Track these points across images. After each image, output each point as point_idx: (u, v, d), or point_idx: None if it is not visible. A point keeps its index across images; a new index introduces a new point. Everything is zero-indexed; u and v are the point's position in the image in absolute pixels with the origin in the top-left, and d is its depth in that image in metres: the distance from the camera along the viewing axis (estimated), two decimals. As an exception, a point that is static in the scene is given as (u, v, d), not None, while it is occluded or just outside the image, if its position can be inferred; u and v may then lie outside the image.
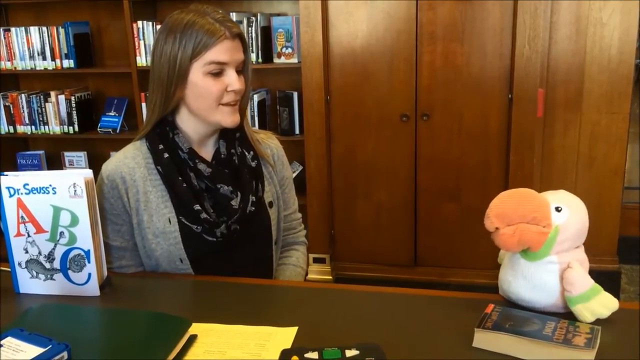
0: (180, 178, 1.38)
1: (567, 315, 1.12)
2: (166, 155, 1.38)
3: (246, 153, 1.46)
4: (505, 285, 1.19)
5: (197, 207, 1.37)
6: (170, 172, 1.38)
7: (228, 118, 1.37)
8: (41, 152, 3.57)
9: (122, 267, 1.44)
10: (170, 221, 1.39)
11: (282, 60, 3.03)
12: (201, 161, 1.40)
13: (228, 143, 1.45)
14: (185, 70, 1.33)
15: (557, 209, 1.12)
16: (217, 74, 1.34)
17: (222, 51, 1.32)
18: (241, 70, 1.39)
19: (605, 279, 2.51)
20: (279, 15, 3.11)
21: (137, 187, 1.38)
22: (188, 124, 1.41)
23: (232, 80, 1.34)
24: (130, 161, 1.40)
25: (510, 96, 2.76)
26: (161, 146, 1.39)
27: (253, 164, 1.46)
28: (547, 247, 1.12)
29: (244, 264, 1.46)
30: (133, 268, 1.45)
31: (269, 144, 1.55)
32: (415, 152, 2.94)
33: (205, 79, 1.33)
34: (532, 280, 1.14)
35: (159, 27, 3.07)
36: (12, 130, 3.42)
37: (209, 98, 1.34)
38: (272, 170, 1.52)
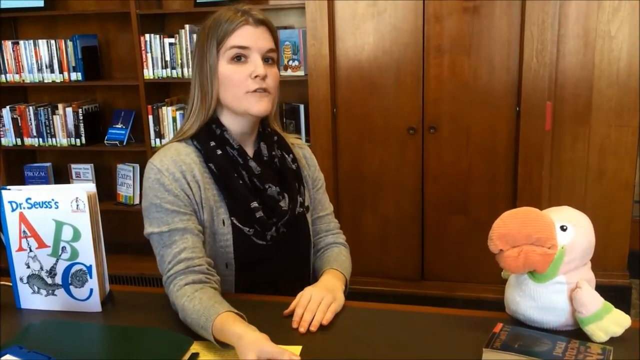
0: (235, 175, 1.33)
1: (577, 332, 1.10)
2: (219, 151, 1.34)
3: (286, 156, 1.44)
4: (513, 305, 1.17)
5: (255, 204, 1.32)
6: (225, 168, 1.33)
7: (255, 105, 1.32)
8: (48, 164, 3.57)
9: (183, 259, 1.24)
10: (224, 222, 1.33)
11: (289, 72, 3.03)
12: (251, 159, 1.37)
13: (268, 145, 1.41)
14: (215, 62, 1.32)
15: (562, 228, 1.10)
16: (241, 61, 1.32)
17: (243, 36, 1.31)
18: (272, 61, 1.37)
19: (616, 294, 2.48)
20: (285, 28, 3.11)
21: (198, 182, 1.31)
22: (230, 121, 1.37)
23: (256, 65, 1.31)
24: (186, 157, 1.32)
25: (518, 109, 2.74)
26: (212, 143, 1.34)
27: (294, 166, 1.44)
28: (554, 268, 1.10)
29: (286, 268, 1.41)
30: (197, 252, 1.26)
31: (300, 146, 1.54)
32: (423, 165, 2.92)
33: (229, 66, 1.32)
34: (540, 301, 1.12)
35: (166, 40, 3.12)
36: (19, 143, 3.43)
37: (235, 85, 1.31)
38: (306, 175, 1.50)
